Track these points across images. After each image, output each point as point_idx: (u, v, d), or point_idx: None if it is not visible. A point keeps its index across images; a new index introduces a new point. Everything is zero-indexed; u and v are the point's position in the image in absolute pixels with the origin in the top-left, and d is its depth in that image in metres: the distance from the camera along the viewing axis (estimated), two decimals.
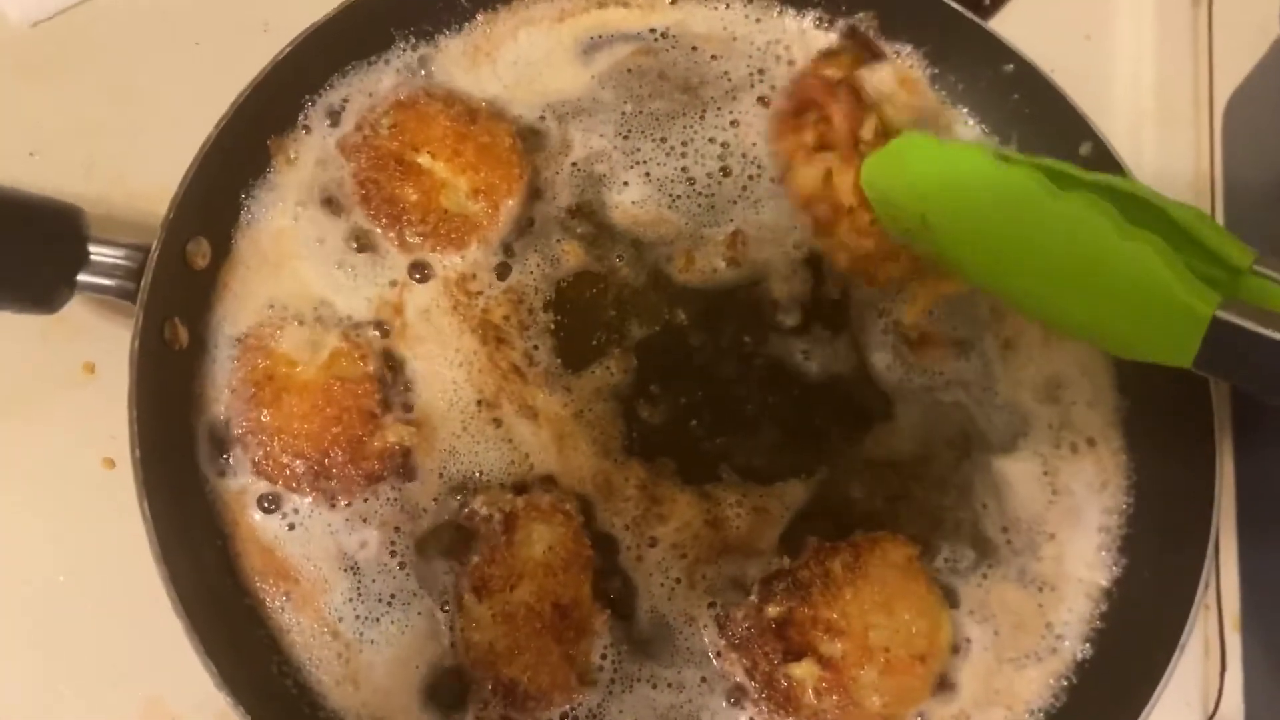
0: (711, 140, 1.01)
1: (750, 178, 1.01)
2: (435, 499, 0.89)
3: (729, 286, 0.98)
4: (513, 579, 0.85)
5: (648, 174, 1.00)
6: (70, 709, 0.89)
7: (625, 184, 0.99)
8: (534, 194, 0.98)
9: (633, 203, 0.99)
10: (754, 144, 1.02)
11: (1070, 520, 0.94)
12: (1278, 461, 0.96)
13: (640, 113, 1.01)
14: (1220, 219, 1.11)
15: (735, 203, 1.00)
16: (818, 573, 0.87)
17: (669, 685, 0.87)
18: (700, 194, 1.00)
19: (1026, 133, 1.04)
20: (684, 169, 1.00)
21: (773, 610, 0.86)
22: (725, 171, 1.00)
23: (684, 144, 1.01)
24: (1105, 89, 1.15)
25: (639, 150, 1.00)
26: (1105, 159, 0.98)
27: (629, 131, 1.01)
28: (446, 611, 0.86)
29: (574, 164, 0.99)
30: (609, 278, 0.97)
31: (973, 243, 0.86)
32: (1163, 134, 1.13)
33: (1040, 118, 1.02)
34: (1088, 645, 0.91)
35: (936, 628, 0.87)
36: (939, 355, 0.97)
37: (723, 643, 0.87)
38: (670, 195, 0.99)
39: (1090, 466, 0.96)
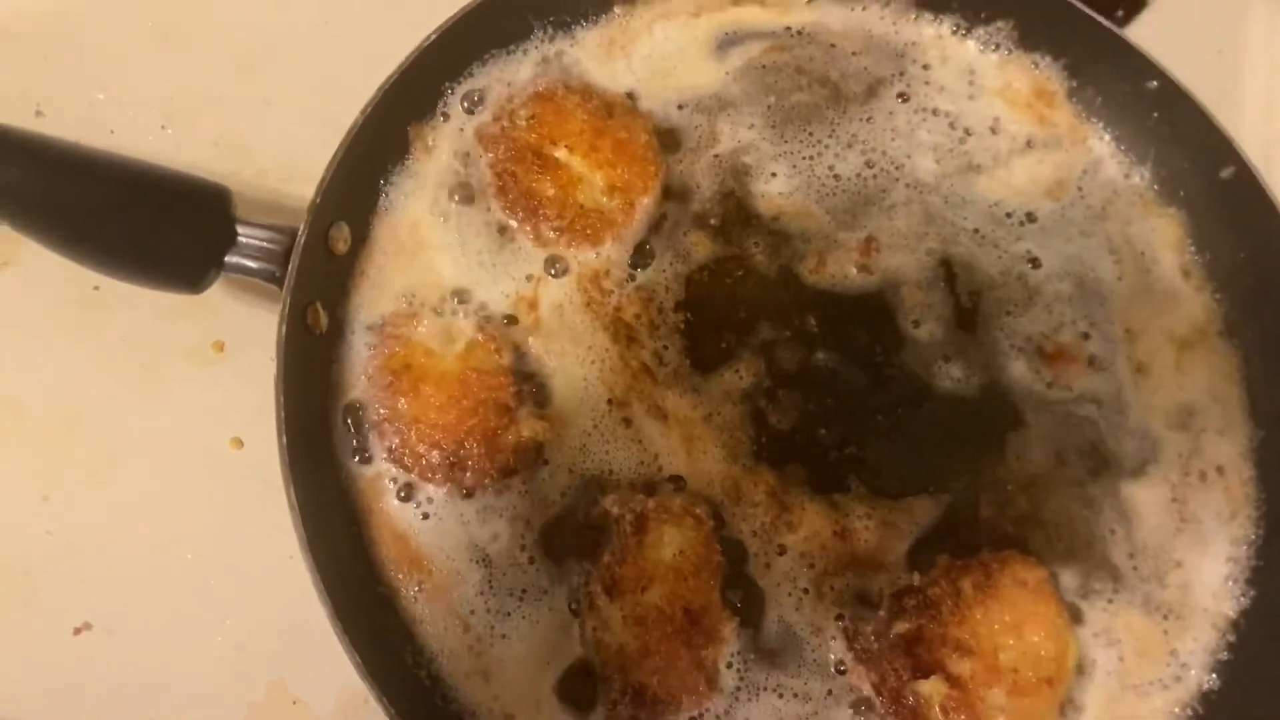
0: (854, 136, 1.01)
1: (891, 179, 1.00)
2: (563, 493, 0.89)
3: (860, 292, 0.97)
4: (643, 581, 0.85)
5: (794, 166, 0.99)
6: (194, 687, 0.90)
7: (773, 175, 0.99)
8: (668, 191, 0.97)
9: (779, 194, 0.99)
10: (893, 140, 1.01)
11: (1198, 549, 0.93)
12: None
13: (784, 105, 1.01)
14: None
15: (873, 205, 0.99)
16: (948, 591, 0.86)
17: (795, 695, 0.86)
18: (844, 191, 0.99)
19: (1164, 151, 1.02)
20: (831, 166, 0.99)
21: (902, 626, 0.85)
22: (869, 164, 1.00)
23: (830, 136, 1.00)
24: (1237, 108, 1.13)
25: (787, 142, 1.00)
26: (1248, 185, 0.97)
27: (775, 122, 1.00)
28: (576, 610, 0.86)
29: (716, 156, 0.98)
30: (742, 264, 0.97)
31: None
32: None
33: (1180, 138, 1.00)
34: (1214, 676, 0.90)
35: (1064, 651, 0.87)
36: (1073, 370, 0.96)
37: (850, 656, 0.87)
38: (818, 191, 0.99)
39: (1219, 495, 0.94)
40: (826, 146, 1.00)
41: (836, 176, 0.99)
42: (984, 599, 0.86)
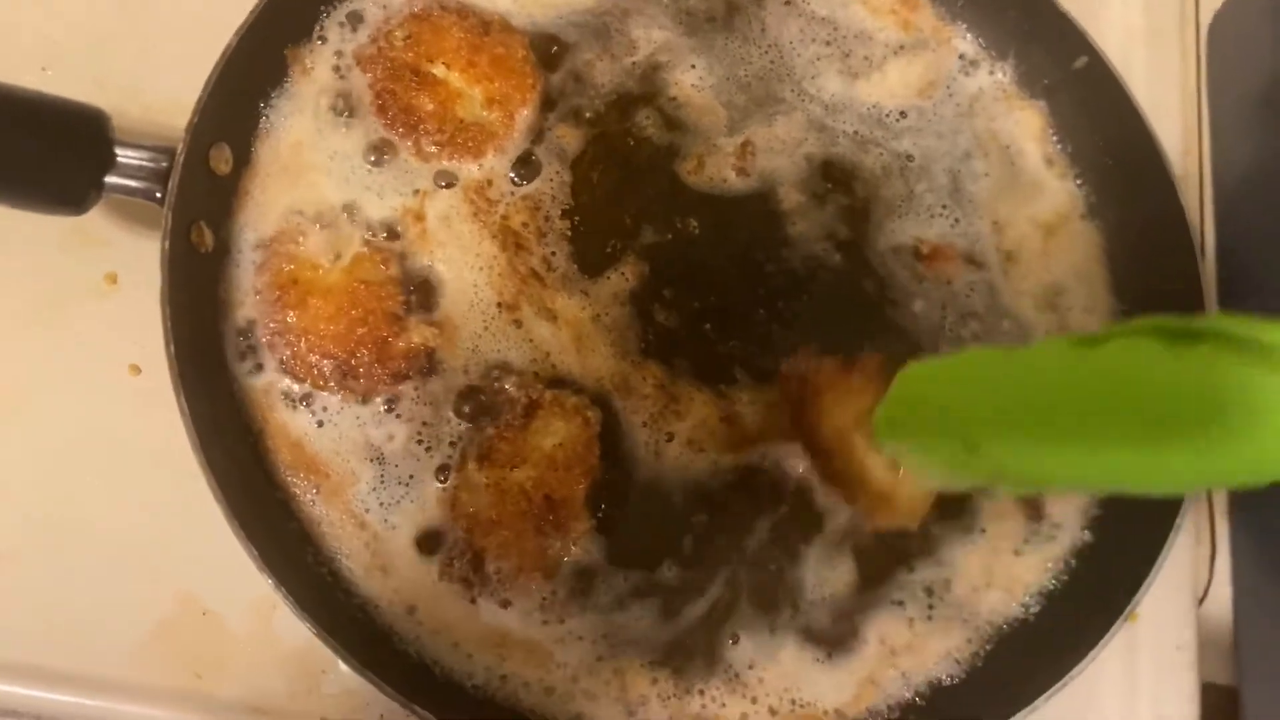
0: (745, 38, 1.05)
1: (781, 83, 1.05)
2: (459, 394, 0.91)
3: (739, 195, 1.01)
4: (516, 460, 0.88)
5: (708, 63, 1.04)
6: (102, 606, 0.91)
7: (692, 66, 1.04)
8: (548, 103, 1.00)
9: (693, 85, 1.03)
10: (789, 44, 1.06)
11: None
12: None
13: (682, 8, 1.06)
14: (1207, 135, 1.15)
15: (757, 110, 1.03)
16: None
17: None
18: (749, 90, 1.04)
19: (1023, 48, 1.07)
20: (738, 65, 1.05)
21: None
22: (773, 62, 1.05)
23: (727, 37, 1.06)
24: (1096, 7, 1.17)
25: (698, 36, 1.05)
26: (1101, 73, 1.02)
27: (682, 20, 1.05)
28: (445, 477, 0.89)
29: (634, 63, 1.03)
30: (626, 151, 1.00)
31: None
32: (1151, 52, 1.16)
33: (1037, 33, 1.05)
34: (1086, 531, 0.95)
35: None
36: (950, 267, 1.00)
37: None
38: (728, 89, 1.04)
39: None
40: (735, 45, 1.06)
41: (746, 75, 1.04)
42: None
